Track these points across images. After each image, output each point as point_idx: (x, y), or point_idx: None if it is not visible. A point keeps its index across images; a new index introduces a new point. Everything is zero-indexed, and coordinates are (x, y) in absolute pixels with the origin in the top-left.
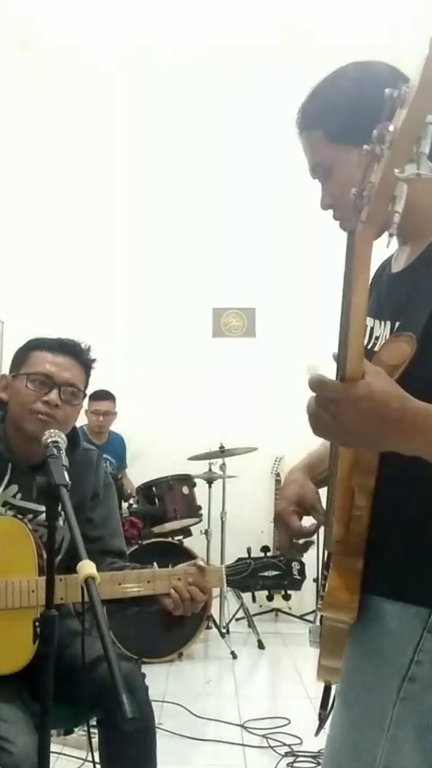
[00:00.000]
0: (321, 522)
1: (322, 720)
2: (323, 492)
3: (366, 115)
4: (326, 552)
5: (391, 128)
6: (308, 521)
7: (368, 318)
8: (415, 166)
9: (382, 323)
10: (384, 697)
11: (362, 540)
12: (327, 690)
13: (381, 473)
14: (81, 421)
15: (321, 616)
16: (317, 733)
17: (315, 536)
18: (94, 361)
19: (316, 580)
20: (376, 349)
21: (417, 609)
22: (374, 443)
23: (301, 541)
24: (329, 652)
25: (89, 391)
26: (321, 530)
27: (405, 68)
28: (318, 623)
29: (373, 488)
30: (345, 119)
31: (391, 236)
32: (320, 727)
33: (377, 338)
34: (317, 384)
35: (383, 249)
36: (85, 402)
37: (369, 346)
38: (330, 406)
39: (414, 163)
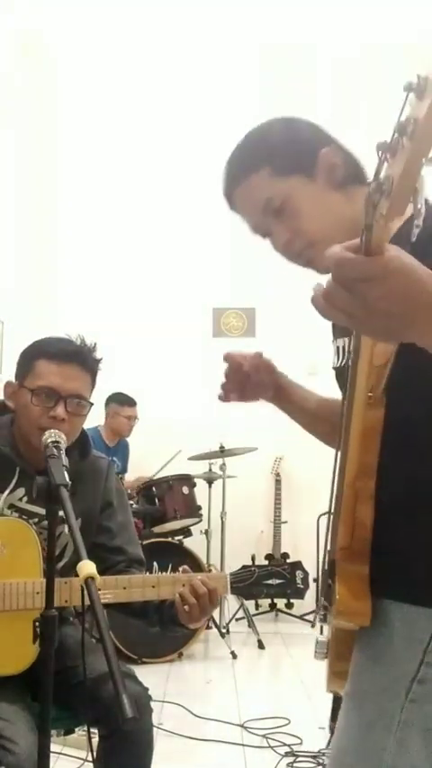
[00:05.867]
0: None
1: (334, 732)
2: (324, 502)
3: (306, 145)
4: (327, 560)
5: (411, 119)
6: None
7: (339, 339)
8: None
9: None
10: (393, 699)
11: (366, 546)
12: (336, 701)
13: (384, 476)
14: (97, 420)
15: (321, 626)
16: (328, 745)
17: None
18: (99, 361)
19: (316, 580)
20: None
21: (425, 610)
22: (399, 327)
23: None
24: (337, 656)
25: (109, 389)
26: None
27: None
28: (322, 635)
29: (373, 492)
30: (288, 151)
31: (417, 227)
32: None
33: (350, 353)
34: (339, 260)
35: None
36: (112, 404)
37: (343, 363)
38: (357, 285)
39: None
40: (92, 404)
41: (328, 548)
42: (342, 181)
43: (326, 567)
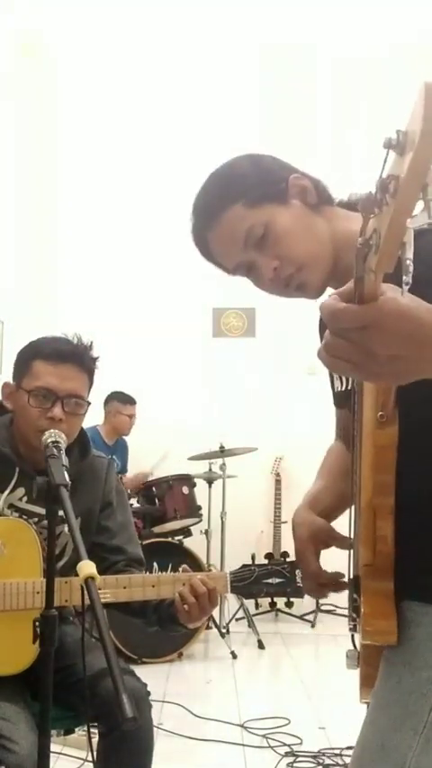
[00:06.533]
0: (344, 546)
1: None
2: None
3: (274, 174)
4: (353, 575)
5: (393, 176)
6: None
7: None
8: (426, 214)
9: None
10: (420, 700)
11: (390, 560)
12: None
13: (404, 485)
14: (95, 420)
15: (353, 635)
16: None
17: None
18: (96, 360)
19: None
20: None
21: None
22: (408, 369)
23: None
24: (366, 662)
25: (109, 389)
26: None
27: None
28: (354, 647)
29: (392, 507)
30: (258, 181)
31: (406, 284)
32: None
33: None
34: (333, 312)
35: None
36: (113, 402)
37: (346, 387)
38: (354, 334)
39: (425, 210)
40: (89, 403)
41: (351, 563)
42: (316, 203)
43: (350, 577)
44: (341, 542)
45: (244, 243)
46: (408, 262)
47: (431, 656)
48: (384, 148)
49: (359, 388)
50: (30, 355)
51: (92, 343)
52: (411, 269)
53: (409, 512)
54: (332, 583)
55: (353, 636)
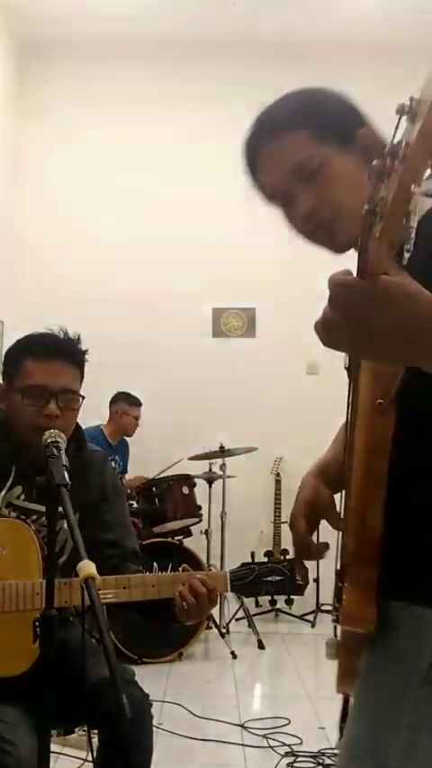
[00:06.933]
0: (337, 526)
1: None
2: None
3: (349, 118)
4: (339, 564)
5: (403, 142)
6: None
7: None
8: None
9: None
10: (401, 699)
11: (375, 551)
12: (346, 702)
13: (392, 477)
14: (97, 420)
15: (335, 626)
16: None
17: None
18: (86, 353)
19: (316, 580)
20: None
21: None
22: (402, 350)
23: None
24: (347, 655)
25: (109, 389)
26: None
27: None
28: (334, 636)
29: (383, 498)
30: (331, 119)
31: (408, 251)
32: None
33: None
34: (340, 283)
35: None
36: (120, 403)
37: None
38: (356, 308)
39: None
40: (83, 397)
41: (339, 551)
42: None
43: (338, 567)
44: (334, 520)
45: (294, 170)
46: (411, 230)
47: (413, 656)
48: (397, 114)
49: (355, 374)
50: (18, 354)
51: (79, 336)
52: (413, 236)
53: (399, 506)
54: (319, 550)
55: (335, 627)
